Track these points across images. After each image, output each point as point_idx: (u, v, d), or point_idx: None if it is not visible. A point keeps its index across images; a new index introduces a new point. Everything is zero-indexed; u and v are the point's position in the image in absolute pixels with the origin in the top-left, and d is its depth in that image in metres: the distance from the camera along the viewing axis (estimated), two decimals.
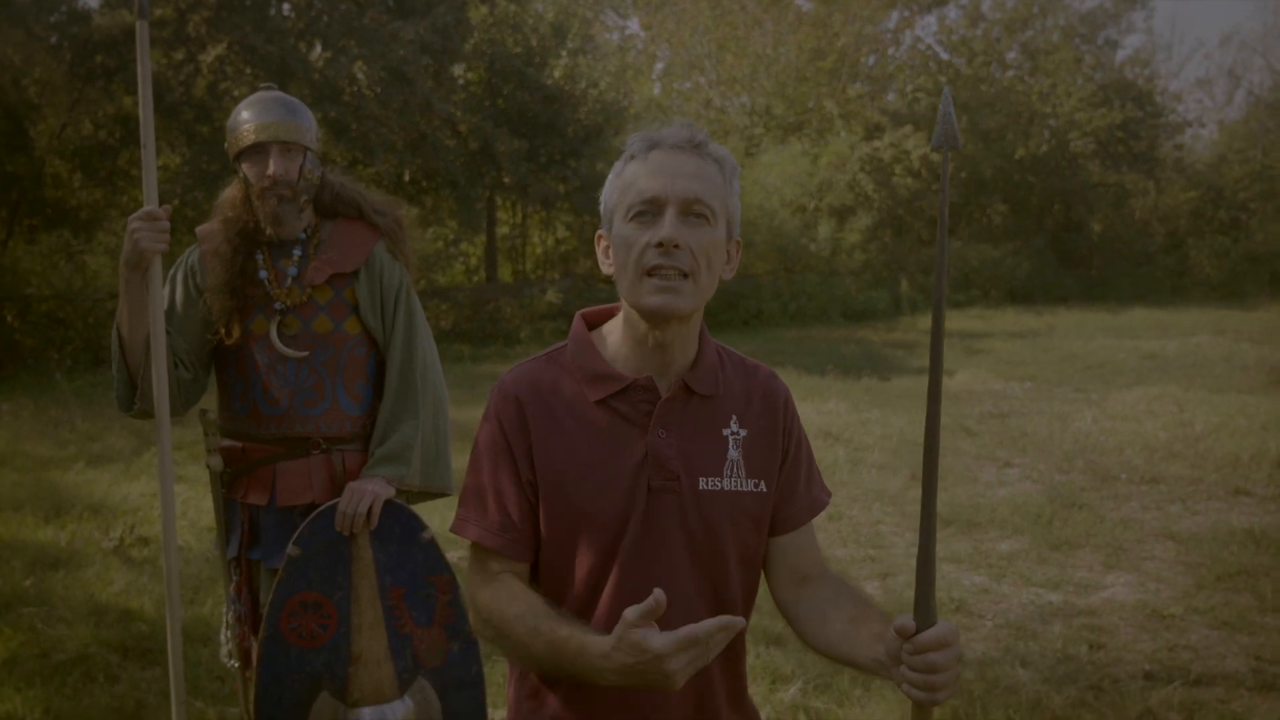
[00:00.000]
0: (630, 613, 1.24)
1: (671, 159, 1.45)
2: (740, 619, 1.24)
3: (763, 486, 1.53)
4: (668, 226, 1.41)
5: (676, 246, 1.41)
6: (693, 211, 1.43)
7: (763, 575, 1.62)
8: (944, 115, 1.24)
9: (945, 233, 1.25)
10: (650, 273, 1.42)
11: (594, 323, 1.60)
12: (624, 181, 1.48)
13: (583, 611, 1.47)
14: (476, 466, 1.54)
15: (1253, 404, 9.50)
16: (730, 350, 1.61)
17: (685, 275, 1.42)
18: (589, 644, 1.30)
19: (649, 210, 1.43)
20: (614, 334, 1.54)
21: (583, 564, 1.48)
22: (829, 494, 1.64)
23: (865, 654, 1.37)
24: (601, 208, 1.53)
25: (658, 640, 1.22)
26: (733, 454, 1.52)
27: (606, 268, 1.51)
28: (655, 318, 1.44)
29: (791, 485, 1.57)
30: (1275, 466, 7.16)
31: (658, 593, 1.23)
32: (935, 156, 23.04)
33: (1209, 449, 7.72)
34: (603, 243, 1.53)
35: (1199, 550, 5.47)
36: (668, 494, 1.47)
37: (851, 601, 1.48)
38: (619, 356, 1.52)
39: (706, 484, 1.49)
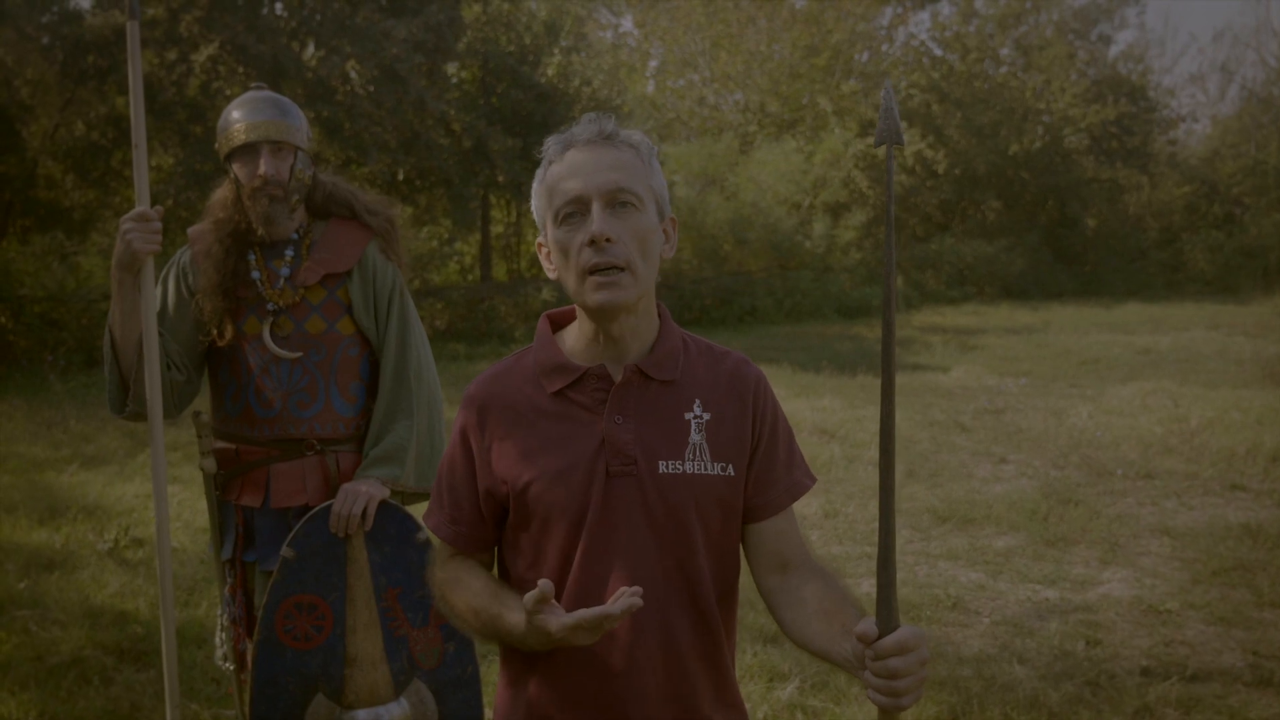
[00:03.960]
0: (528, 600, 1.34)
1: (587, 155, 1.48)
2: (636, 598, 1.31)
3: (730, 470, 1.53)
4: (596, 222, 1.44)
5: (609, 240, 1.44)
6: (618, 201, 1.46)
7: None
8: (885, 110, 1.22)
9: (893, 231, 1.26)
10: (590, 271, 1.45)
11: (560, 323, 1.64)
12: (547, 187, 1.52)
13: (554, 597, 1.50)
14: (441, 464, 1.63)
15: (1247, 398, 9.51)
16: (698, 338, 1.62)
17: (623, 268, 1.45)
18: (511, 624, 1.44)
19: (576, 210, 1.47)
20: (573, 331, 1.59)
21: (551, 552, 1.51)
22: (813, 478, 1.63)
23: (837, 650, 1.36)
24: (535, 216, 1.56)
25: (554, 623, 1.34)
26: (695, 438, 1.52)
27: (551, 273, 1.54)
28: (603, 314, 1.47)
29: (768, 470, 1.56)
30: (1270, 461, 7.17)
31: (544, 583, 1.32)
32: (929, 153, 23.07)
33: (1204, 444, 7.73)
34: (543, 250, 1.56)
35: (1195, 545, 5.47)
36: (626, 478, 1.48)
37: (829, 593, 1.47)
38: (576, 351, 1.56)
39: (666, 467, 1.50)
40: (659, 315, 1.58)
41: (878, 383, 10.08)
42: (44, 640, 4.09)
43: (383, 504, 2.42)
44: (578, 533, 1.49)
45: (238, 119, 2.49)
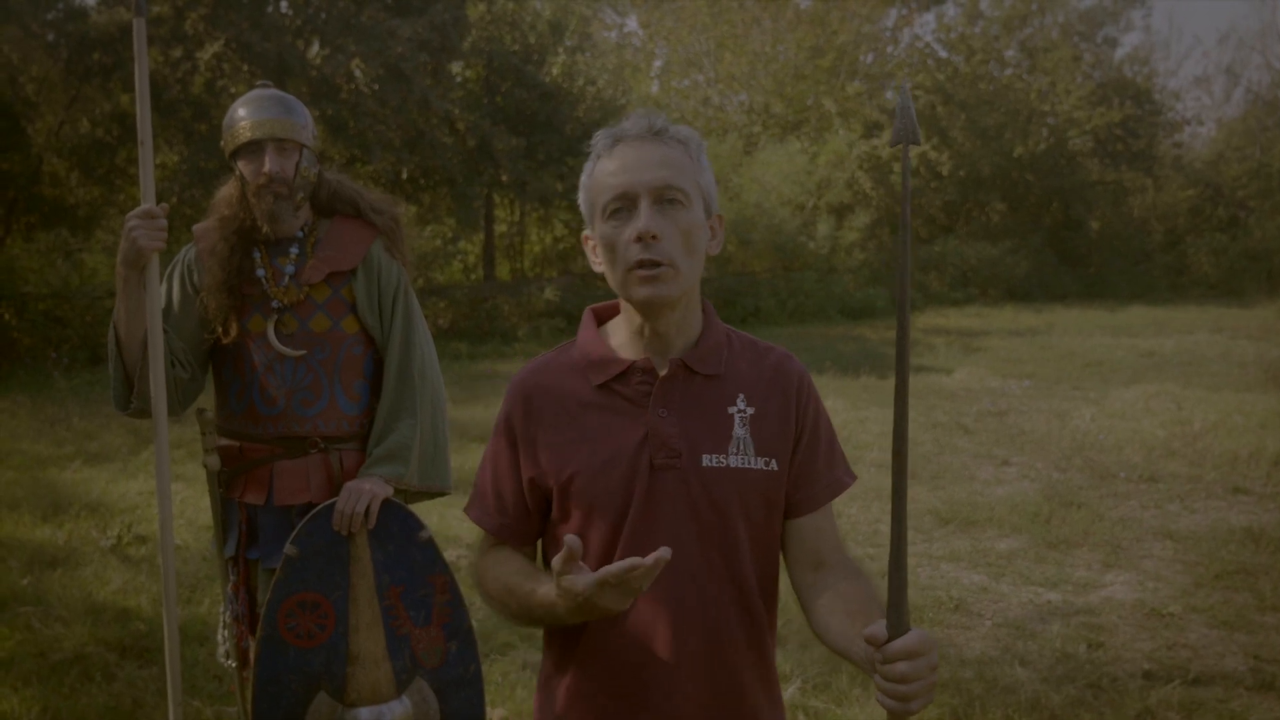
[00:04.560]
0: (555, 562, 1.34)
1: (636, 150, 1.48)
2: (664, 552, 1.28)
3: (773, 465, 1.53)
4: (643, 219, 1.44)
5: (655, 237, 1.44)
6: (665, 198, 1.46)
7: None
8: (902, 109, 1.21)
9: (908, 231, 1.23)
10: (635, 267, 1.45)
11: (603, 318, 1.64)
12: (595, 181, 1.52)
13: None
14: (486, 452, 1.63)
15: (1251, 402, 9.50)
16: (742, 334, 1.63)
17: (668, 264, 1.45)
18: (543, 597, 1.44)
19: (623, 205, 1.47)
20: (618, 325, 1.59)
21: (594, 545, 1.52)
22: (853, 476, 1.64)
23: (856, 649, 1.36)
24: (582, 210, 1.56)
25: (581, 583, 1.32)
26: (739, 432, 1.52)
27: (596, 266, 1.55)
28: (648, 309, 1.49)
29: (809, 466, 1.57)
30: (1273, 464, 7.16)
31: (570, 539, 1.31)
32: (934, 155, 23.06)
33: (1207, 447, 7.72)
34: (589, 242, 1.57)
35: (1197, 549, 5.47)
36: (670, 471, 1.49)
37: (856, 593, 1.47)
38: (621, 345, 1.56)
39: (710, 460, 1.50)
40: (703, 310, 1.58)
41: (881, 384, 10.15)
42: (47, 637, 4.10)
43: (386, 502, 2.42)
44: (620, 525, 1.49)
45: (243, 116, 2.49)
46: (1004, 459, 7.66)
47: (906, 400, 1.25)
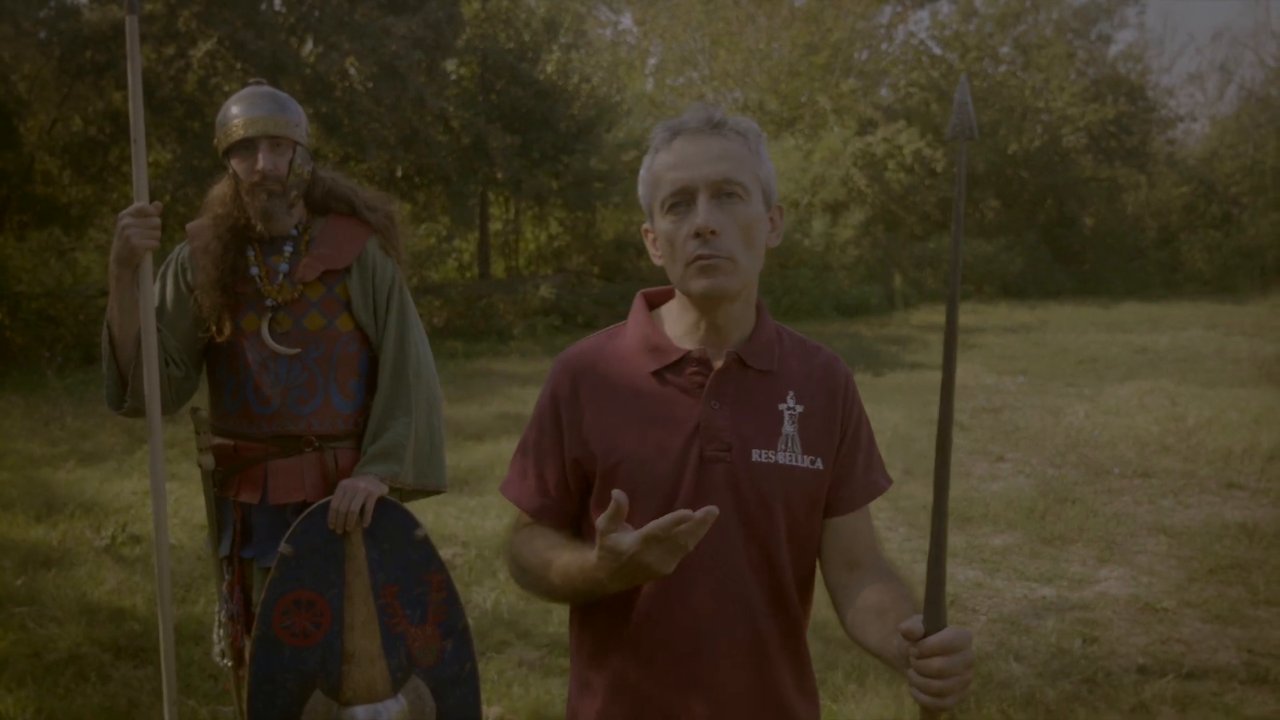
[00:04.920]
0: (600, 521, 1.31)
1: (694, 144, 1.47)
2: (713, 508, 1.26)
3: (819, 464, 1.53)
4: (702, 214, 1.44)
5: (713, 233, 1.43)
6: (724, 192, 1.45)
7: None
8: (960, 104, 1.21)
9: (960, 224, 1.22)
10: (693, 261, 1.45)
11: (654, 303, 1.64)
12: (654, 175, 1.51)
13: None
14: (526, 432, 1.61)
15: (1244, 397, 9.53)
16: (792, 332, 1.63)
17: (727, 258, 1.44)
18: (584, 559, 1.40)
19: (682, 200, 1.46)
20: (671, 313, 1.58)
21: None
22: (889, 480, 1.64)
23: (889, 648, 1.36)
24: (641, 204, 1.56)
25: (626, 540, 1.29)
26: (788, 429, 1.52)
27: (657, 260, 1.55)
28: (705, 302, 1.49)
29: (849, 466, 1.57)
30: (1267, 460, 7.17)
31: (617, 494, 1.28)
32: (928, 151, 23.06)
33: (1201, 443, 7.73)
34: (649, 236, 1.56)
35: (1191, 544, 5.48)
36: (719, 464, 1.49)
37: (890, 593, 1.47)
38: (675, 334, 1.56)
39: (759, 456, 1.50)
40: (756, 307, 1.58)
41: (875, 381, 10.15)
42: (41, 637, 4.09)
43: (381, 501, 2.42)
44: (666, 513, 1.48)
45: (236, 114, 2.48)
46: (999, 455, 7.67)
47: (952, 396, 1.24)
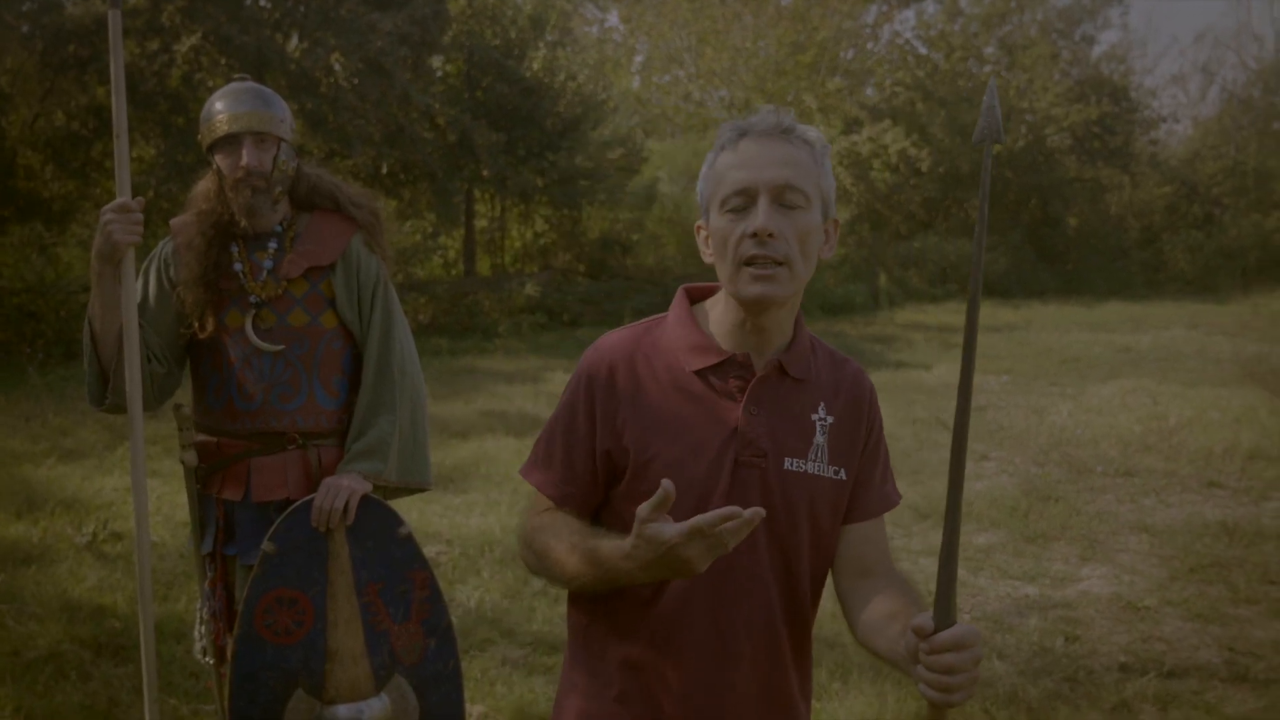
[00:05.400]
0: (643, 509, 1.30)
1: (760, 147, 1.46)
2: (760, 509, 1.27)
3: (843, 474, 1.55)
4: (761, 216, 1.43)
5: (771, 236, 1.43)
6: (785, 198, 1.45)
7: None
8: (988, 108, 1.22)
9: (984, 228, 1.24)
10: (747, 263, 1.44)
11: (696, 298, 1.63)
12: (716, 173, 1.50)
13: (660, 581, 1.49)
14: (555, 417, 1.60)
15: (1226, 397, 9.59)
16: (822, 342, 1.64)
17: (781, 263, 1.44)
18: (615, 546, 1.38)
19: (742, 201, 1.45)
20: (715, 311, 1.57)
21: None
22: (900, 496, 1.67)
23: (890, 647, 1.38)
24: (699, 199, 1.55)
25: (669, 530, 1.28)
26: (819, 439, 1.54)
27: (707, 257, 1.54)
28: (754, 307, 1.48)
29: (867, 478, 1.60)
30: (1247, 459, 7.23)
31: (665, 483, 1.28)
32: (914, 151, 23.14)
33: (1183, 442, 7.78)
34: (702, 233, 1.55)
35: (1173, 543, 5.52)
36: (753, 470, 1.49)
37: (900, 597, 1.49)
38: (718, 333, 1.55)
39: (791, 464, 1.51)
40: (796, 315, 1.58)
41: None
42: (20, 635, 4.06)
43: (365, 498, 2.41)
44: (697, 513, 1.47)
45: (220, 110, 2.47)
46: (982, 454, 7.70)
47: (969, 393, 1.26)
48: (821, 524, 1.55)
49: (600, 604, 1.57)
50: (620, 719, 1.54)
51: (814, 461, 1.53)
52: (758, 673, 1.53)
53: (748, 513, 1.27)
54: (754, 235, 1.43)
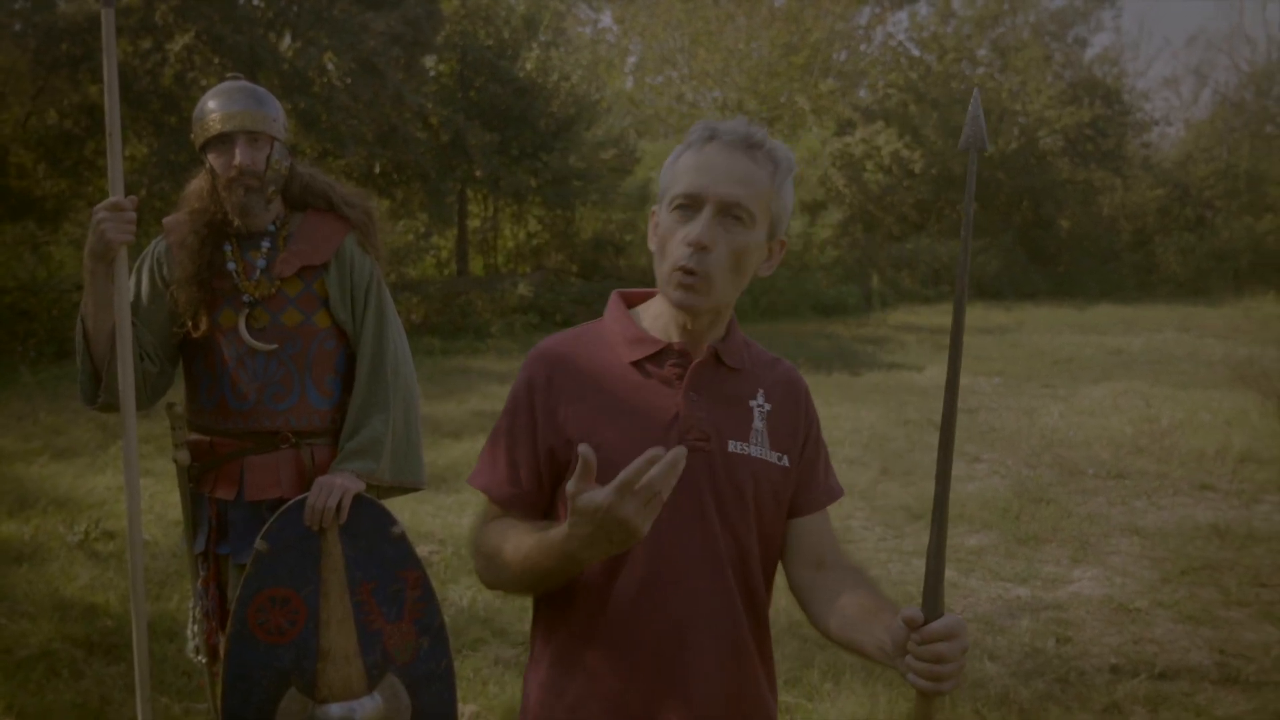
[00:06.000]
0: (570, 485, 1.29)
1: (723, 157, 1.48)
2: (682, 448, 1.26)
3: (785, 461, 1.58)
4: (699, 227, 1.46)
5: (705, 249, 1.45)
6: (730, 213, 1.47)
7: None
8: (973, 117, 1.26)
9: (969, 233, 1.27)
10: (677, 269, 1.47)
11: (631, 303, 1.66)
12: (677, 169, 1.52)
13: (615, 569, 1.50)
14: (499, 422, 1.60)
15: (1217, 399, 9.63)
16: (753, 343, 1.68)
17: (704, 277, 1.47)
18: (555, 534, 1.38)
19: (689, 204, 1.48)
20: (650, 310, 1.61)
21: None
22: (843, 490, 1.71)
23: (871, 642, 1.40)
24: (660, 185, 1.57)
25: (600, 494, 1.27)
26: (758, 424, 1.57)
27: (651, 244, 1.56)
28: (678, 310, 1.52)
29: (810, 471, 1.63)
30: (1239, 461, 7.25)
31: (583, 448, 1.27)
32: (906, 153, 23.18)
33: (1174, 444, 7.81)
34: (654, 219, 1.57)
35: (1164, 545, 5.53)
36: (699, 453, 1.51)
37: (867, 592, 1.52)
38: (654, 328, 1.58)
39: (735, 447, 1.54)
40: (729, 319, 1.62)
41: (853, 381, 10.16)
42: (12, 633, 4.05)
43: (358, 497, 2.41)
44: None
45: (213, 109, 2.47)
46: (974, 456, 7.72)
47: (956, 391, 1.31)
48: (766, 509, 1.56)
49: (554, 604, 1.56)
50: (586, 713, 1.54)
51: (756, 445, 1.55)
52: (725, 665, 1.53)
53: (670, 454, 1.25)
54: (690, 244, 1.46)
